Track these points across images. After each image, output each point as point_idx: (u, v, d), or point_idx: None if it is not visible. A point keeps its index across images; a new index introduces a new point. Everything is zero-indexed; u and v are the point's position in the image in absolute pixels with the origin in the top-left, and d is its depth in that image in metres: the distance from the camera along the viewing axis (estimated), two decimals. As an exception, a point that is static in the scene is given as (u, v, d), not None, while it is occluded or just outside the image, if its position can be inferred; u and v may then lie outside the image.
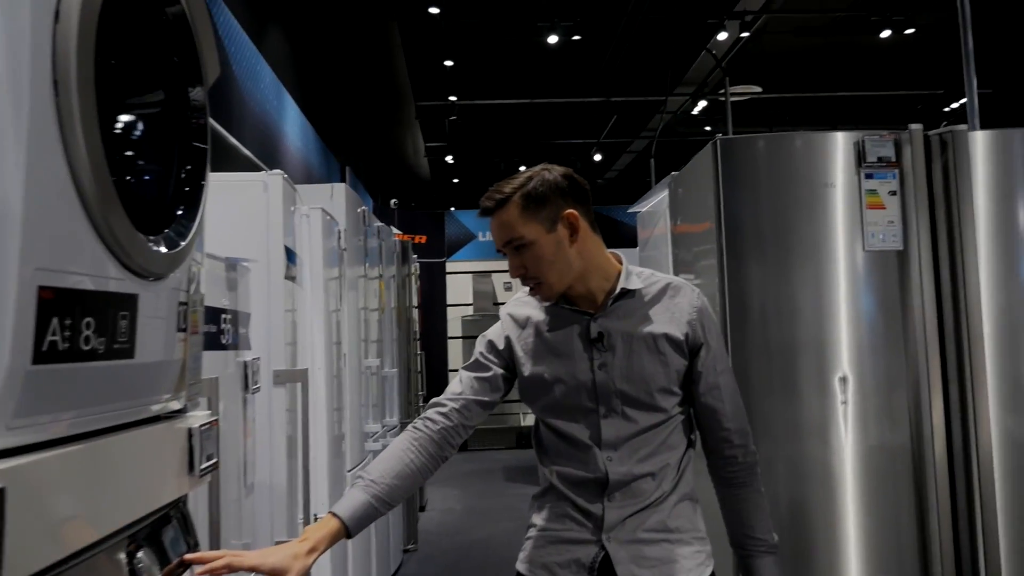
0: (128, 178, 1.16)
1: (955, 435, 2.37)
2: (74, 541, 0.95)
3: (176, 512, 1.32)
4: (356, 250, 3.67)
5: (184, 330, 1.29)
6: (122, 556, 1.08)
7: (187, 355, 1.33)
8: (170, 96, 1.28)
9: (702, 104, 9.35)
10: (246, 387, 1.98)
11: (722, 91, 8.89)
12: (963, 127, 2.34)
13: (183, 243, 1.24)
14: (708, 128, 10.60)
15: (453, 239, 11.02)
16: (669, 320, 1.58)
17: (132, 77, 1.21)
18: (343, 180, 7.54)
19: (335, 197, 3.42)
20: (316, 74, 6.77)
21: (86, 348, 0.95)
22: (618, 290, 1.57)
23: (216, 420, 1.41)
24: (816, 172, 2.40)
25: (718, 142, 2.37)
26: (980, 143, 2.43)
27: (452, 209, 11.56)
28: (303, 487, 2.31)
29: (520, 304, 1.67)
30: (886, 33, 7.10)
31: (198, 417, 1.36)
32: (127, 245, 1.05)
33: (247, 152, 4.15)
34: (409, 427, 1.62)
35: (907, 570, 2.42)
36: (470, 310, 10.69)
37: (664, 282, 1.62)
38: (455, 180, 13.49)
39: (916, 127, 2.36)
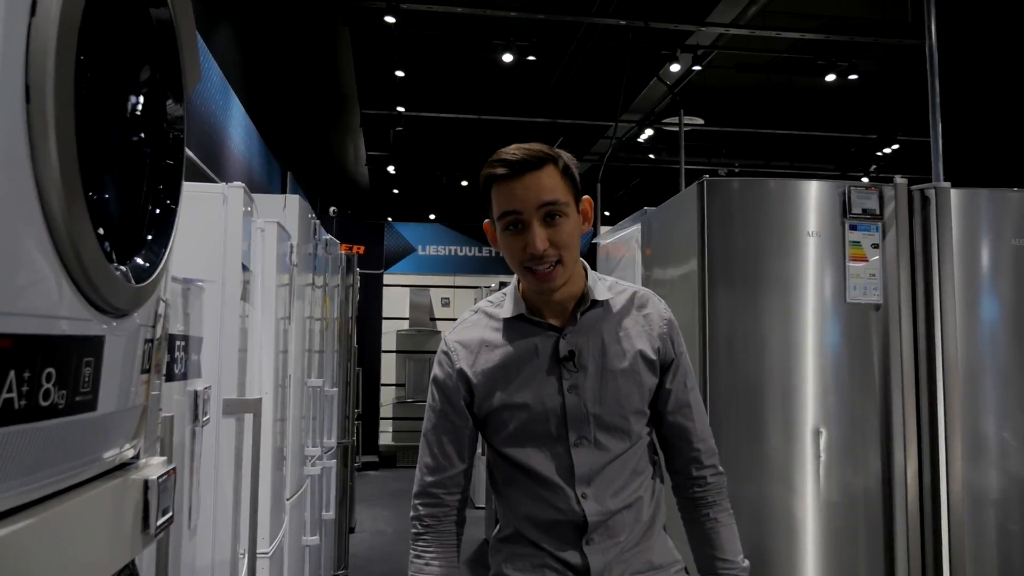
0: (96, 197, 1.00)
1: (926, 486, 2.35)
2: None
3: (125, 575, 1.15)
4: (305, 260, 3.50)
5: (148, 371, 1.13)
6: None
7: (148, 398, 1.17)
8: (147, 106, 1.13)
9: (648, 132, 9.44)
10: (196, 419, 1.81)
11: (666, 120, 9.06)
12: (946, 184, 2.34)
13: (154, 273, 1.08)
14: (652, 156, 10.71)
15: (391, 251, 10.79)
16: (641, 335, 1.47)
17: (109, 83, 1.05)
18: (284, 186, 7.28)
19: (288, 208, 3.25)
20: (263, 74, 6.52)
21: (45, 404, 0.80)
22: (589, 301, 1.45)
23: (173, 469, 1.25)
24: (797, 218, 2.36)
25: (704, 182, 2.30)
26: (954, 200, 2.43)
27: (389, 220, 11.33)
28: (249, 523, 2.13)
29: (467, 328, 1.51)
30: (831, 77, 7.27)
31: (154, 466, 1.19)
32: (95, 278, 0.89)
33: (192, 156, 3.92)
34: (416, 537, 1.52)
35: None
36: (405, 324, 10.49)
37: (630, 291, 1.52)
38: (395, 191, 13.28)
39: (901, 181, 2.35)
